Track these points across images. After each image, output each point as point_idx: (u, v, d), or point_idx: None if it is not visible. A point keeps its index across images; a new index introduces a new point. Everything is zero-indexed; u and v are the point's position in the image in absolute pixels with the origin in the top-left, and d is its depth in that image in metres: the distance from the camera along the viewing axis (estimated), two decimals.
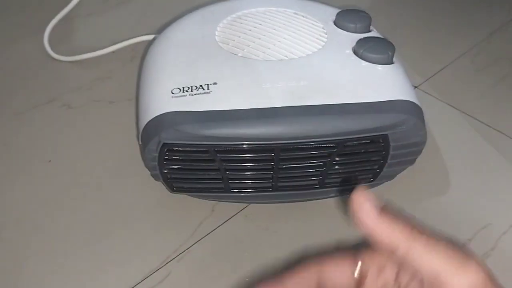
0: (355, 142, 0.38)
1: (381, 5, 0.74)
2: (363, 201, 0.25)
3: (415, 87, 0.58)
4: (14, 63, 0.61)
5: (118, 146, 0.49)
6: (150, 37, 0.62)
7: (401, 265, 0.26)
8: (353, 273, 0.27)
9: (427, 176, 0.47)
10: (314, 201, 0.43)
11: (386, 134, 0.37)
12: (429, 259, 0.23)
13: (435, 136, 0.51)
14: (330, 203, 0.43)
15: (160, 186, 0.42)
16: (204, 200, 0.43)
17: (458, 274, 0.23)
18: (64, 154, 0.49)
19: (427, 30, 0.68)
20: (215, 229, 0.42)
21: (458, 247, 0.24)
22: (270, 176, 0.39)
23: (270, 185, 0.40)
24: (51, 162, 0.48)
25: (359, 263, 0.27)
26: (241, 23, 0.47)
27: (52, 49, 0.61)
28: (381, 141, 0.38)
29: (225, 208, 0.43)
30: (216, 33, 0.46)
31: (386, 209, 0.25)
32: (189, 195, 0.42)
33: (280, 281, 0.27)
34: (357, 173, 0.40)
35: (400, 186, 0.45)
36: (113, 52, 0.61)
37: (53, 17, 0.64)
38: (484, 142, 0.51)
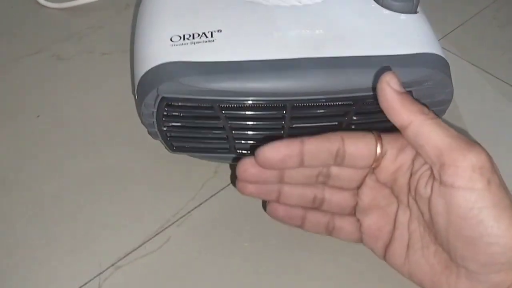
0: (375, 99, 0.34)
1: None
2: (390, 79, 0.27)
3: None
4: None
5: (112, 100, 0.45)
6: None
7: (412, 146, 0.27)
8: (375, 149, 0.28)
9: None
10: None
11: (410, 91, 0.34)
12: (436, 137, 0.25)
13: (455, 96, 0.48)
14: None
15: (158, 145, 0.39)
16: (207, 161, 0.40)
17: (462, 153, 0.25)
18: (54, 109, 0.45)
19: None
20: (217, 192, 0.39)
21: (465, 135, 0.26)
22: (280, 136, 0.35)
23: None
24: (40, 118, 0.44)
25: (382, 141, 0.29)
26: None
27: None
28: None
29: (229, 169, 0.40)
30: None
31: (407, 94, 0.28)
32: (190, 155, 0.39)
33: (301, 141, 0.28)
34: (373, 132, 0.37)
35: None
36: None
37: None
38: (507, 103, 0.48)
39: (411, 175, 0.28)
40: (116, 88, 0.46)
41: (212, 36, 0.35)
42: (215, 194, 0.39)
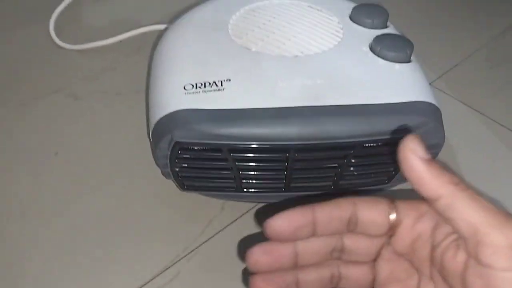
0: (371, 145, 0.37)
1: (393, 1, 0.72)
2: (414, 147, 0.24)
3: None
4: (19, 51, 0.59)
5: (126, 140, 0.48)
6: (158, 27, 0.60)
7: (440, 218, 0.25)
8: (388, 216, 0.26)
9: None
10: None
11: (403, 137, 0.36)
12: (470, 212, 0.23)
13: (448, 135, 0.50)
14: None
15: (169, 183, 0.41)
16: (214, 198, 0.42)
17: (498, 231, 0.22)
18: (71, 147, 0.48)
19: (440, 25, 0.67)
20: (225, 227, 0.42)
21: (501, 208, 0.23)
22: (283, 176, 0.38)
23: (282, 185, 0.39)
24: (58, 155, 0.47)
25: (396, 207, 0.26)
26: (254, 16, 0.46)
27: (58, 36, 0.60)
28: (398, 143, 0.37)
29: (235, 206, 0.43)
30: (229, 26, 0.45)
31: (434, 161, 0.24)
32: (199, 193, 0.42)
33: (312, 209, 0.26)
34: (372, 175, 0.40)
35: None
36: (120, 41, 0.60)
37: (59, 3, 0.63)
38: (498, 142, 0.50)
39: (433, 247, 0.25)
40: (130, 128, 0.49)
41: (222, 85, 0.38)
42: (222, 229, 0.41)
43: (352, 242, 0.27)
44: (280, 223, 0.26)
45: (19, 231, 0.41)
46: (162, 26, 0.60)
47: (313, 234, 0.26)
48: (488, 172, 0.47)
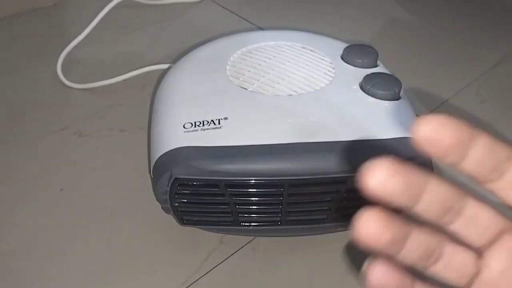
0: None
1: (384, 37, 0.75)
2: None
3: None
4: (28, 90, 0.62)
5: (129, 175, 0.50)
6: (161, 66, 0.63)
7: None
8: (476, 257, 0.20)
9: None
10: (323, 234, 0.44)
11: None
12: None
13: (441, 170, 0.52)
14: (338, 236, 0.44)
15: (169, 217, 0.43)
16: (213, 232, 0.44)
17: None
18: (76, 183, 0.50)
19: (431, 61, 0.70)
20: (223, 261, 0.43)
21: None
22: (278, 210, 0.40)
23: (278, 219, 0.40)
24: (63, 191, 0.49)
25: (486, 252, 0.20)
26: (251, 57, 0.49)
27: (65, 76, 0.63)
28: None
29: (233, 239, 0.44)
30: (227, 67, 0.47)
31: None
32: (198, 228, 0.43)
33: (403, 224, 0.20)
34: (365, 207, 0.41)
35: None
36: (124, 80, 0.63)
37: (66, 45, 0.66)
38: None
39: None
40: (132, 164, 0.51)
41: (219, 123, 0.40)
42: (221, 262, 0.42)
43: (475, 208, 0.21)
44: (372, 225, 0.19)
45: (25, 267, 0.42)
46: (165, 66, 0.63)
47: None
48: None
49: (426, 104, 0.61)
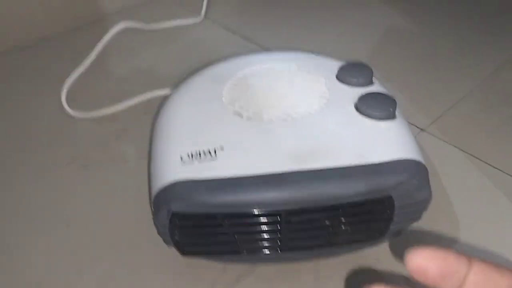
0: (359, 204, 0.38)
1: (382, 46, 0.75)
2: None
3: (421, 129, 0.59)
4: (33, 122, 0.63)
5: (133, 207, 0.51)
6: (162, 91, 0.64)
7: None
8: None
9: (437, 225, 0.47)
10: (325, 259, 0.44)
11: (390, 195, 0.38)
12: None
13: (443, 182, 0.52)
14: (342, 260, 0.44)
15: (172, 249, 0.44)
16: (215, 261, 0.44)
17: None
18: (82, 218, 0.50)
19: (430, 70, 0.69)
20: None
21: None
22: (277, 238, 0.40)
23: (278, 246, 0.41)
24: (70, 227, 0.50)
25: None
26: (246, 82, 0.49)
27: (69, 106, 0.64)
28: (384, 201, 0.39)
29: (237, 267, 0.44)
30: (223, 93, 0.48)
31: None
32: (200, 258, 0.43)
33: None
34: (363, 231, 0.41)
35: (408, 239, 0.45)
36: (128, 107, 0.64)
37: (69, 75, 0.67)
38: (494, 187, 0.51)
39: None
40: (136, 195, 0.52)
41: (215, 153, 0.40)
42: None
43: None
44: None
45: None
46: (167, 91, 0.64)
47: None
48: (488, 222, 0.48)
49: (428, 114, 0.61)
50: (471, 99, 0.64)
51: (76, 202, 0.52)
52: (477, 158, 0.55)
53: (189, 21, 0.82)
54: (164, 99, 0.60)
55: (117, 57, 0.75)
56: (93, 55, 0.70)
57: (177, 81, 0.67)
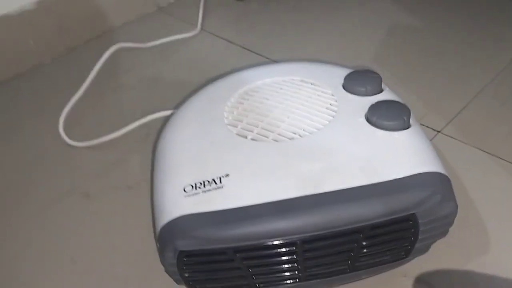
0: (380, 226, 0.35)
1: (386, 45, 0.71)
2: None
3: (438, 131, 0.56)
4: (31, 153, 0.61)
5: (139, 237, 0.48)
6: (163, 113, 0.62)
7: None
8: None
9: (464, 235, 0.44)
10: (346, 284, 0.41)
11: (413, 213, 0.35)
12: None
13: (466, 186, 0.48)
14: (364, 283, 0.41)
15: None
16: None
17: None
18: (87, 251, 0.48)
19: (440, 66, 0.66)
20: None
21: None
22: (295, 268, 0.37)
23: (297, 276, 0.38)
24: (75, 261, 0.47)
25: None
26: (248, 99, 0.46)
27: (67, 134, 0.62)
28: (408, 220, 0.36)
29: None
30: (225, 114, 0.45)
31: None
32: None
33: None
34: (387, 252, 0.38)
35: (435, 255, 0.42)
36: (127, 132, 0.61)
37: (66, 102, 0.65)
38: None
39: None
40: (143, 223, 0.49)
41: (220, 181, 0.38)
42: None
43: None
44: None
45: None
46: (167, 112, 0.61)
47: None
48: (508, 215, 0.45)
49: (443, 114, 0.58)
50: (487, 94, 0.60)
51: (80, 234, 0.50)
52: (500, 158, 0.51)
53: (186, 34, 0.80)
54: (164, 122, 0.58)
55: (114, 79, 0.72)
56: (88, 80, 0.68)
57: (178, 100, 0.64)
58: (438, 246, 0.42)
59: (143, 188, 0.54)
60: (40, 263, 0.48)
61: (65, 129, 0.62)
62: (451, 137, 0.55)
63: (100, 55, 0.69)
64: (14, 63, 0.75)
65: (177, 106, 0.50)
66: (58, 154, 0.61)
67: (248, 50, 0.74)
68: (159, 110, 0.62)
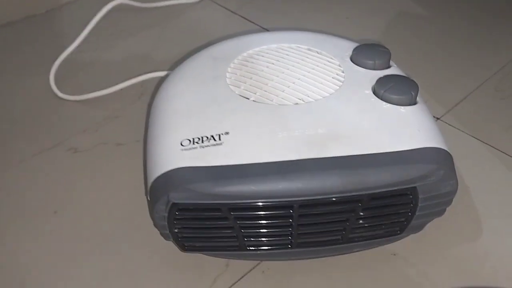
0: (381, 197, 0.34)
1: (392, 32, 0.71)
2: None
3: (437, 118, 0.55)
4: (20, 104, 0.59)
5: (127, 195, 0.47)
6: (158, 73, 0.60)
7: None
8: None
9: (457, 219, 0.44)
10: (335, 256, 0.40)
11: (415, 187, 0.34)
12: None
13: (462, 174, 0.48)
14: (353, 257, 0.40)
15: (170, 243, 0.40)
16: (217, 257, 0.40)
17: None
18: (71, 204, 0.46)
19: (444, 56, 0.65)
20: (231, 286, 0.39)
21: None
22: (288, 233, 0.36)
23: (288, 242, 0.37)
24: (57, 213, 0.46)
25: None
26: (252, 62, 0.45)
27: (59, 88, 0.59)
28: (409, 193, 0.35)
29: (241, 262, 0.41)
30: (227, 74, 0.44)
31: None
32: (201, 253, 0.40)
33: None
34: (383, 226, 0.37)
35: (427, 237, 0.41)
36: (121, 89, 0.59)
37: (59, 54, 0.63)
38: None
39: None
40: (131, 181, 0.48)
41: (220, 138, 0.36)
42: None
43: None
44: None
45: None
46: (163, 73, 0.60)
47: None
48: (503, 207, 0.44)
49: (443, 103, 0.57)
50: (489, 87, 0.60)
51: (65, 188, 0.48)
52: (497, 149, 0.51)
53: (189, 0, 0.77)
54: (161, 81, 0.56)
55: (111, 36, 0.70)
56: (84, 33, 0.65)
57: (174, 64, 0.62)
58: (430, 229, 0.41)
59: (133, 146, 0.52)
60: (19, 214, 0.46)
61: (56, 82, 0.60)
62: (450, 125, 0.54)
63: (98, 10, 0.67)
64: (6, 10, 0.72)
65: (172, 68, 0.49)
66: (48, 106, 0.58)
67: (251, 22, 0.73)
68: (154, 71, 0.60)
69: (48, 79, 0.60)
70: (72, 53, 0.63)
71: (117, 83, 0.59)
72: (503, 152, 0.51)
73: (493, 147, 0.51)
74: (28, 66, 0.65)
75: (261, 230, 0.36)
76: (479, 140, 0.52)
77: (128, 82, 0.60)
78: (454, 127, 0.54)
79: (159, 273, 0.40)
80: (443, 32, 0.70)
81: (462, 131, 0.54)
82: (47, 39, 0.70)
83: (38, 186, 0.49)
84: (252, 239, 0.36)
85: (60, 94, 0.59)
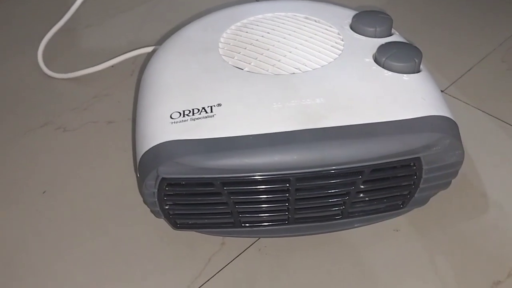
0: (382, 169, 0.33)
1: (397, 2, 0.68)
2: None
3: (442, 91, 0.53)
4: (5, 83, 0.57)
5: (117, 173, 0.45)
6: (148, 49, 0.57)
7: None
8: None
9: (462, 194, 0.42)
10: (335, 232, 0.38)
11: (419, 157, 0.32)
12: None
13: (468, 147, 0.46)
14: (353, 233, 0.39)
15: (162, 221, 0.38)
16: (211, 234, 0.38)
17: None
18: (60, 184, 0.45)
19: (450, 26, 0.63)
20: (226, 265, 0.38)
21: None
22: (285, 208, 0.34)
23: (285, 217, 0.35)
24: (46, 193, 0.44)
25: None
26: (246, 32, 0.43)
27: (47, 65, 0.57)
28: (412, 164, 0.33)
29: (236, 240, 0.39)
30: (220, 44, 0.41)
31: None
32: (195, 231, 0.38)
33: None
34: (385, 200, 0.35)
35: (430, 212, 0.40)
36: (112, 66, 0.57)
37: (47, 31, 0.60)
38: None
39: None
40: (122, 160, 0.46)
41: (211, 110, 0.34)
42: (224, 267, 0.37)
43: None
44: None
45: (6, 277, 0.37)
46: (152, 48, 0.57)
47: None
48: (509, 180, 0.43)
49: (447, 75, 0.55)
50: (494, 58, 0.58)
51: (53, 168, 0.46)
52: (502, 120, 0.49)
53: None
54: (151, 55, 0.54)
55: (100, 12, 0.67)
56: (73, 10, 0.63)
57: (165, 38, 0.60)
58: (434, 204, 0.40)
59: (124, 124, 0.50)
60: (7, 194, 0.44)
61: (44, 59, 0.58)
62: (454, 97, 0.52)
63: None
64: None
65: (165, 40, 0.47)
66: (36, 84, 0.56)
67: None
68: (144, 46, 0.58)
69: (36, 56, 0.58)
70: (61, 29, 0.61)
71: (107, 60, 0.57)
72: (510, 124, 0.49)
73: (499, 119, 0.49)
74: (15, 43, 0.62)
75: (257, 206, 0.34)
76: (484, 112, 0.50)
77: (119, 59, 0.57)
78: (459, 100, 0.52)
79: (151, 253, 0.39)
80: (451, 2, 0.67)
81: (467, 103, 0.52)
82: (35, 16, 0.67)
83: (26, 166, 0.47)
84: (247, 215, 0.35)
85: (48, 72, 0.57)
